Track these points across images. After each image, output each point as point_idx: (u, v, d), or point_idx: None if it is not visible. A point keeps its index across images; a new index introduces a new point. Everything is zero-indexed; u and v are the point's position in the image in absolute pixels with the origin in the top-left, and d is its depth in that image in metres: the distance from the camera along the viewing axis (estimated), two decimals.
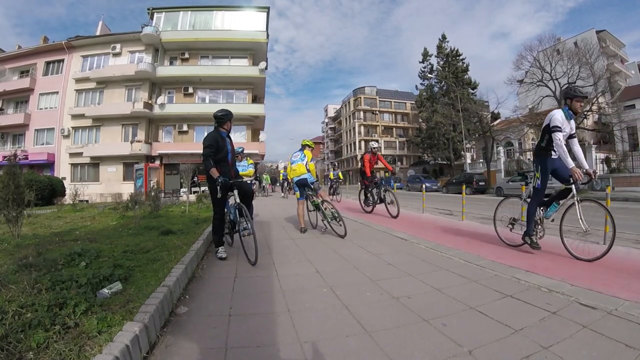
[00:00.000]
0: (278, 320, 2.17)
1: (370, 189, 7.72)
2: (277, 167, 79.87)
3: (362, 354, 1.73)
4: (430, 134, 36.75)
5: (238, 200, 3.77)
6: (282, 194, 17.90)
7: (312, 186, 5.35)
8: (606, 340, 1.78)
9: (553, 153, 3.48)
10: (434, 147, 37.26)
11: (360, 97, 54.61)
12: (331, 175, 14.56)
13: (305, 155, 5.46)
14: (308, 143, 5.63)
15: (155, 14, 23.19)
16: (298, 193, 5.50)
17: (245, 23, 23.36)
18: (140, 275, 2.66)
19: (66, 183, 17.82)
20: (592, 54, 19.99)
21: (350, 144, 56.54)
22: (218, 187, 3.50)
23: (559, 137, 3.35)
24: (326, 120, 73.08)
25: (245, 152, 8.27)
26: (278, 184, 24.76)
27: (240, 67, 23.74)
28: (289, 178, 5.62)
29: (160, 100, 22.47)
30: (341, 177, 14.94)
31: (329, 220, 5.23)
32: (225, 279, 3.10)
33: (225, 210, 4.01)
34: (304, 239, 5.00)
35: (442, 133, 34.82)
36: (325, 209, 5.27)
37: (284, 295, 2.63)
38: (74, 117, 22.61)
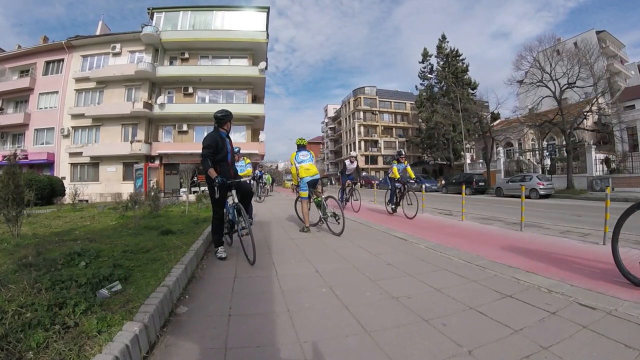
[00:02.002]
0: (278, 320, 2.17)
1: None
2: (276, 167, 79.82)
3: (362, 354, 1.74)
4: (430, 134, 36.80)
5: (237, 200, 3.77)
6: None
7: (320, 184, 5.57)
8: (606, 341, 1.78)
9: None
10: (434, 147, 37.30)
11: (360, 97, 54.60)
12: (395, 173, 7.75)
13: (312, 155, 5.55)
14: (305, 142, 5.65)
15: (155, 13, 23.17)
16: (306, 192, 5.37)
17: (245, 23, 23.35)
18: (140, 275, 2.66)
19: (66, 183, 17.80)
20: (592, 55, 19.96)
21: (350, 144, 56.50)
22: (216, 188, 3.50)
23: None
24: (326, 120, 73.06)
25: (245, 152, 8.25)
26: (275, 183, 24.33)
27: (240, 67, 23.72)
28: (301, 177, 5.39)
29: (160, 100, 22.46)
30: (412, 175, 8.01)
31: (327, 216, 5.40)
32: (225, 279, 3.10)
33: (225, 210, 4.01)
34: (303, 239, 5.00)
35: (442, 133, 34.85)
36: (327, 206, 5.45)
37: (283, 295, 2.62)
38: (74, 116, 22.59)
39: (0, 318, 1.69)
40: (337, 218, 5.26)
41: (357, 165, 9.55)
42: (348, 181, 9.04)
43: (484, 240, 4.71)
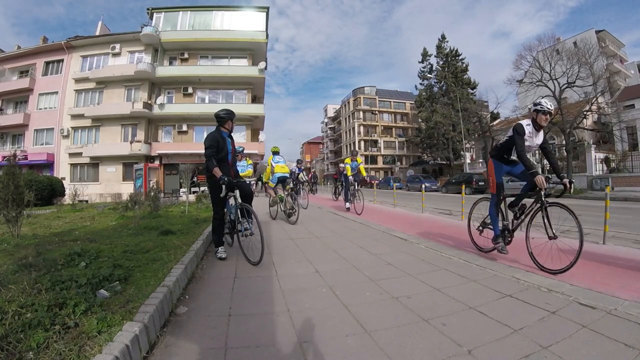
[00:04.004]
0: (278, 320, 2.17)
1: None
2: None
3: (362, 354, 1.74)
4: (430, 134, 36.76)
5: (240, 201, 3.76)
6: (334, 196, 13.51)
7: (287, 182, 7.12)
8: (606, 340, 1.78)
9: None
10: (434, 147, 37.27)
11: (360, 97, 54.60)
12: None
13: (284, 160, 7.25)
14: (278, 149, 7.31)
15: (154, 14, 23.15)
16: (274, 184, 6.98)
17: (244, 23, 23.34)
18: (140, 275, 2.66)
19: (66, 183, 17.80)
20: (592, 54, 20.00)
21: (350, 144, 56.48)
22: (223, 186, 3.49)
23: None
24: (326, 120, 73.02)
25: (244, 152, 8.28)
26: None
27: (239, 67, 23.71)
28: (275, 172, 6.91)
29: (159, 100, 22.43)
30: None
31: (287, 210, 6.72)
32: (225, 279, 3.10)
33: (225, 210, 4.01)
34: (303, 239, 5.00)
35: (442, 133, 34.84)
36: (288, 201, 6.80)
37: (283, 295, 2.63)
38: (74, 117, 22.57)
39: (1, 318, 1.70)
40: (294, 211, 6.55)
41: (550, 147, 4.08)
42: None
43: (484, 240, 4.71)
